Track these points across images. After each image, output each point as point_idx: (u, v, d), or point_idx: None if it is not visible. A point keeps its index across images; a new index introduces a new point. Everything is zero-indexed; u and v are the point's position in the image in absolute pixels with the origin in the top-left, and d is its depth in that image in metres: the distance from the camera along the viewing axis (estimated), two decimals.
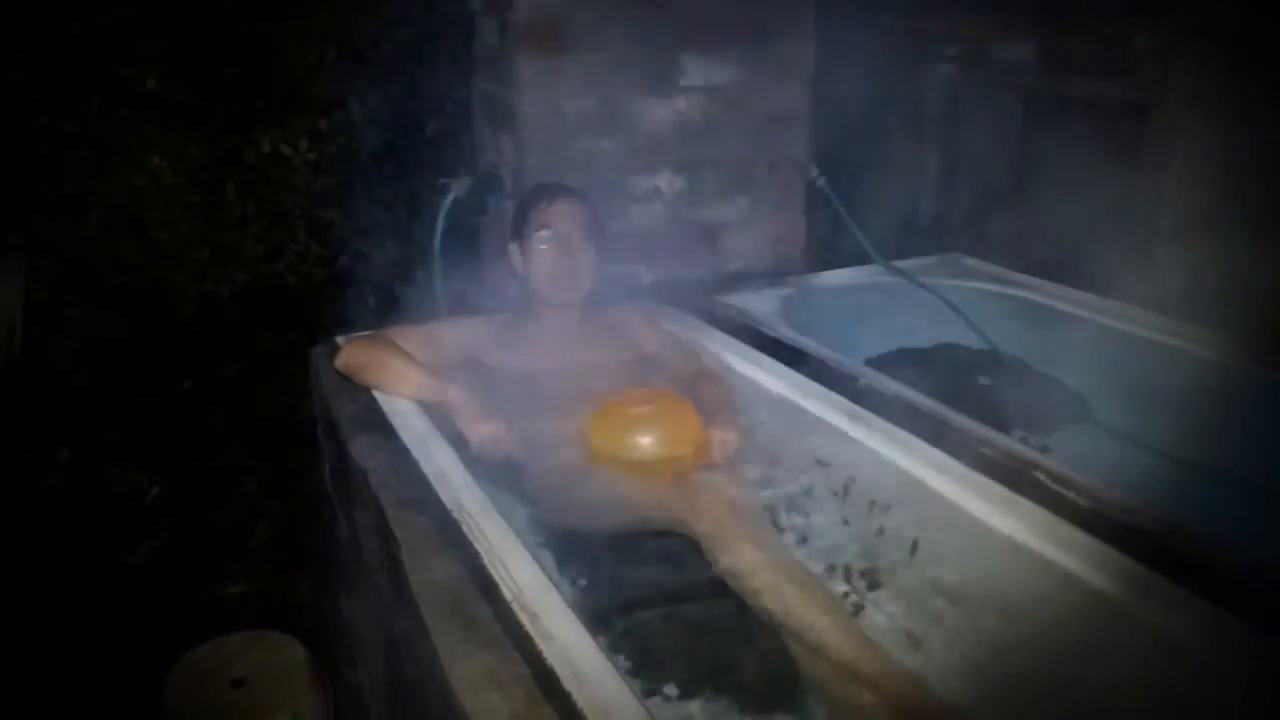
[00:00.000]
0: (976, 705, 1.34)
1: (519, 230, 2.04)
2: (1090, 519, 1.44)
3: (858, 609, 1.53)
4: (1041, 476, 1.55)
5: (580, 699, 1.08)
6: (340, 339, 2.20)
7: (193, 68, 3.57)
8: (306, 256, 3.95)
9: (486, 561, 1.37)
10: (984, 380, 2.23)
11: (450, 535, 1.45)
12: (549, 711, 1.10)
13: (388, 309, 3.31)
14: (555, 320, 2.07)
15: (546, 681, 1.13)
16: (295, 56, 3.69)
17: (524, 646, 1.20)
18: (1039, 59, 3.65)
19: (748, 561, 1.49)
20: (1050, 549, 1.42)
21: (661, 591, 1.50)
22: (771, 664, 1.42)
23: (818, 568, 1.61)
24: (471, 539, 1.42)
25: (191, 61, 3.57)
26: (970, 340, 2.40)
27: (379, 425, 1.83)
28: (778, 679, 1.41)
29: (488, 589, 1.32)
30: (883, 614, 1.53)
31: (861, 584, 1.59)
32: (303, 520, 2.71)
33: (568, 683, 1.11)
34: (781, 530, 1.71)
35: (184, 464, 3.18)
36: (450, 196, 2.38)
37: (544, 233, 1.99)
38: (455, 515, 1.48)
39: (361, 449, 1.77)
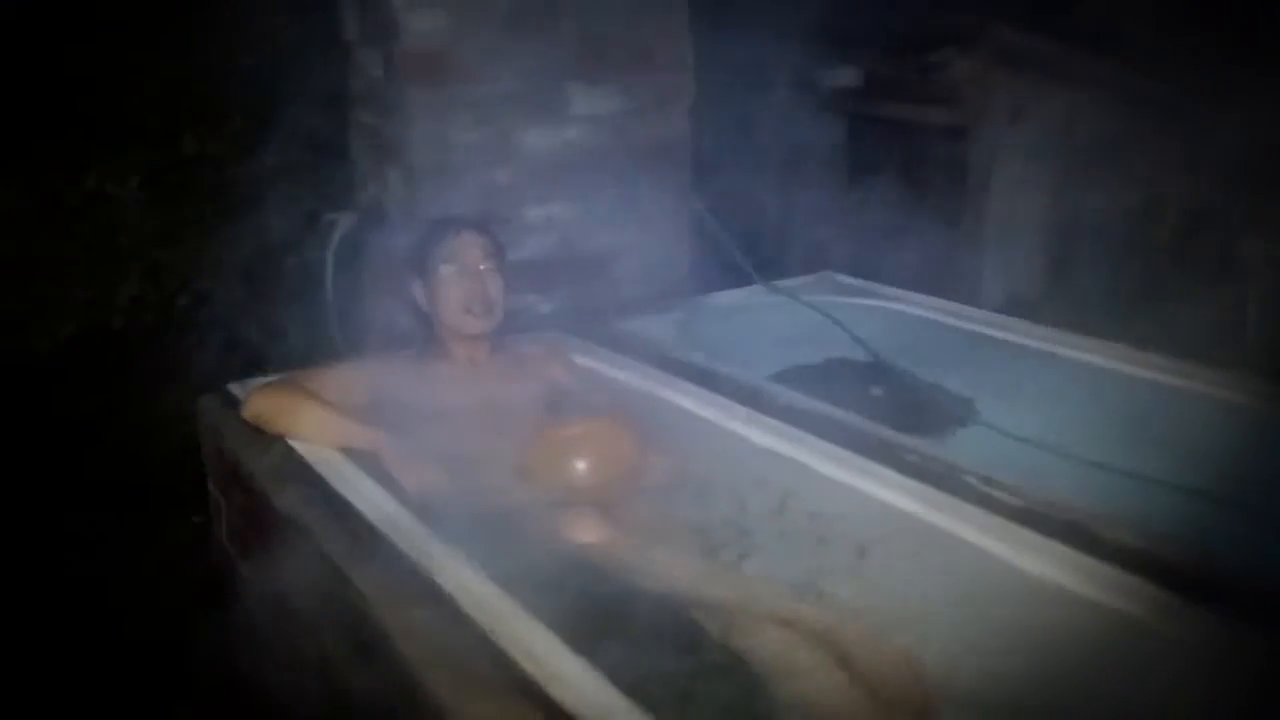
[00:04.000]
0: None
1: (422, 265, 2.00)
2: (1021, 514, 1.55)
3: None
4: (970, 480, 1.65)
5: None
6: (234, 387, 2.09)
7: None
8: (141, 301, 3.70)
9: (466, 607, 1.34)
10: (876, 391, 2.35)
11: (420, 584, 1.41)
12: None
13: (233, 351, 3.16)
14: (466, 354, 2.04)
15: None
16: (127, 89, 3.46)
17: (531, 692, 1.18)
18: (864, 85, 3.88)
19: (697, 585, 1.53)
20: (992, 544, 1.52)
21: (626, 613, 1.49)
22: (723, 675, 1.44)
23: (758, 580, 1.66)
24: (444, 586, 1.38)
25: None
26: (854, 354, 2.53)
27: (304, 476, 1.75)
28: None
29: (476, 635, 1.29)
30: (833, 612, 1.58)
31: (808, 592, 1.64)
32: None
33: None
34: (722, 547, 1.74)
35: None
36: (338, 233, 2.30)
37: (451, 266, 1.97)
38: (420, 563, 1.44)
39: (292, 502, 1.69)
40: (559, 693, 1.16)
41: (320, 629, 1.60)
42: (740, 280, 2.69)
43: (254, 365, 3.06)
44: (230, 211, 3.68)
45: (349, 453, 1.81)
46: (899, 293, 2.78)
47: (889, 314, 2.72)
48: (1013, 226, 3.77)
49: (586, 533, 1.65)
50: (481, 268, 1.97)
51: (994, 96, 3.69)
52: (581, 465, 1.77)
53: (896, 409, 2.24)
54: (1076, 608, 1.40)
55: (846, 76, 3.83)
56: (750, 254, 2.68)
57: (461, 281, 1.96)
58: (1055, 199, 3.78)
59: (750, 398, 2.05)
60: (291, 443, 1.84)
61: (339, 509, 1.63)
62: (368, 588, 1.42)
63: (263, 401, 1.89)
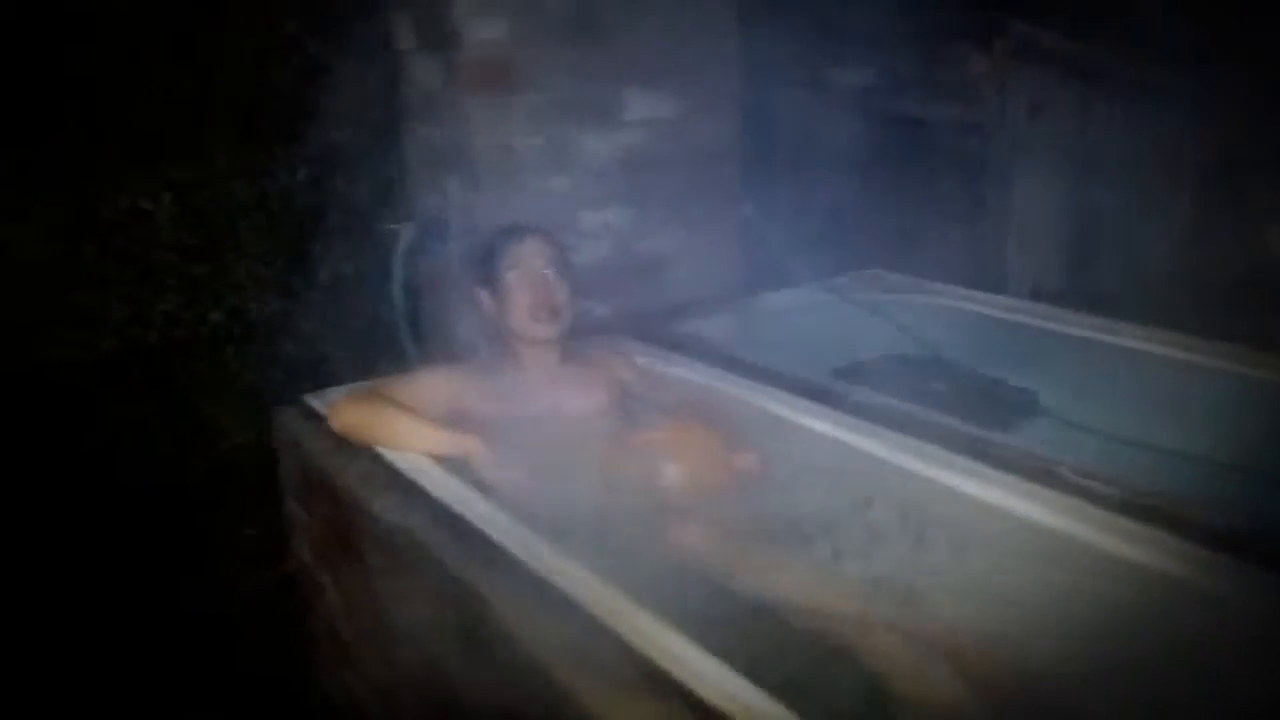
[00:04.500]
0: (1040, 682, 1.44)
1: (489, 273, 2.02)
2: (1120, 505, 1.57)
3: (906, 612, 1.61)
4: (1064, 471, 1.68)
5: None
6: (311, 399, 2.11)
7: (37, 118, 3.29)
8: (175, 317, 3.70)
9: (592, 609, 1.36)
10: (938, 385, 2.37)
11: (540, 587, 1.42)
12: None
13: (273, 363, 3.18)
14: (535, 360, 2.06)
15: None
16: (156, 105, 3.46)
17: (678, 691, 1.20)
18: (877, 83, 3.91)
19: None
20: (1083, 530, 1.55)
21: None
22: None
23: (859, 580, 1.68)
24: (565, 588, 1.40)
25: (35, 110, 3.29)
26: (909, 350, 2.56)
27: (398, 483, 1.77)
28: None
29: (609, 636, 1.31)
30: (939, 612, 1.60)
31: (907, 590, 1.66)
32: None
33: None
34: (816, 548, 1.77)
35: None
36: (404, 242, 2.32)
37: (518, 272, 1.98)
38: (534, 565, 1.46)
39: (390, 509, 1.70)
40: (706, 691, 1.18)
41: (427, 636, 1.62)
42: (790, 280, 2.72)
43: (293, 379, 3.09)
44: (265, 226, 3.70)
45: (438, 459, 1.83)
46: (946, 287, 2.82)
47: (938, 309, 2.75)
48: (1033, 220, 3.81)
49: (690, 537, 1.67)
50: (547, 273, 1.99)
51: (1011, 92, 3.72)
52: (674, 469, 1.78)
53: (960, 403, 2.26)
54: (1182, 594, 1.42)
55: (863, 75, 3.85)
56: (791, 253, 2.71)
57: (528, 288, 1.98)
58: (1073, 192, 3.82)
59: (821, 394, 2.07)
60: (381, 451, 1.85)
61: (441, 514, 1.65)
62: (488, 591, 1.44)
63: (352, 412, 1.91)
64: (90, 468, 3.11)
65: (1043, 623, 1.50)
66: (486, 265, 2.02)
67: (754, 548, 1.70)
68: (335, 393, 2.09)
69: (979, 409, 2.23)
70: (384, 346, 3.09)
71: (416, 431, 1.85)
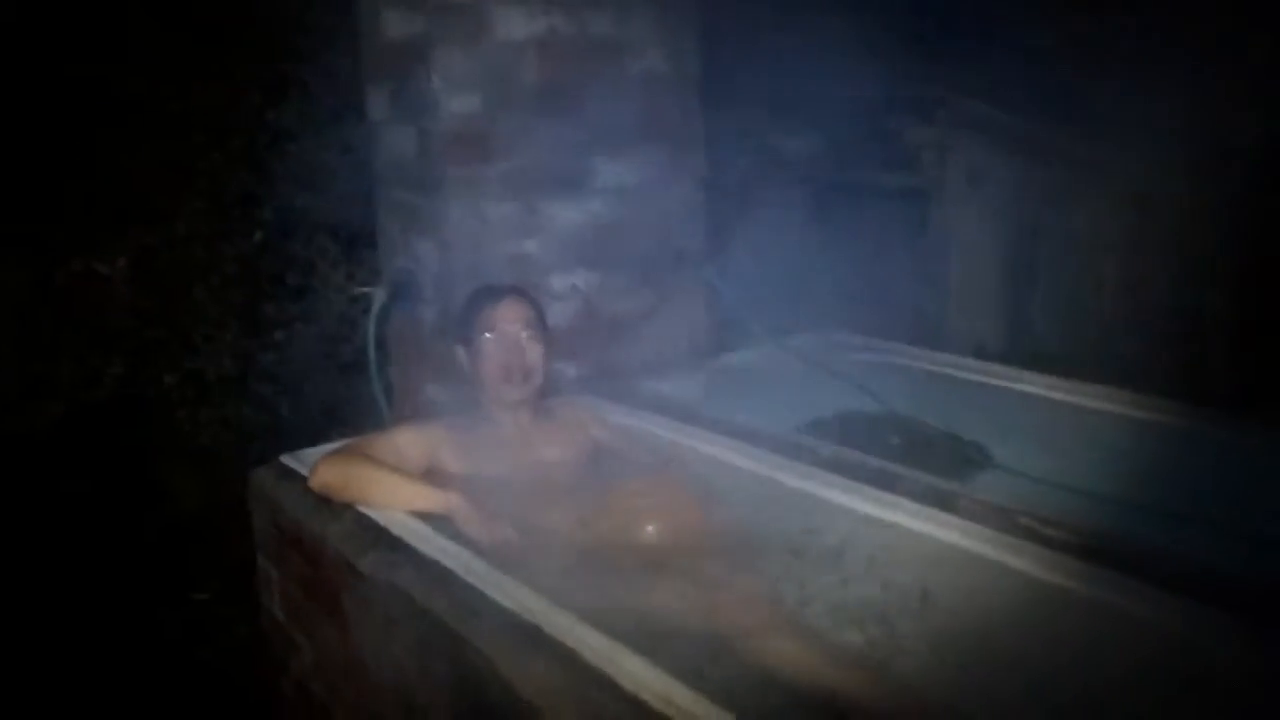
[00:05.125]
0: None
1: (466, 333, 2.08)
2: (1078, 549, 1.67)
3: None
4: (1024, 520, 1.77)
5: None
6: (287, 459, 2.13)
7: None
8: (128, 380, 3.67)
9: (589, 659, 1.40)
10: (894, 440, 2.47)
11: (532, 635, 1.47)
12: None
13: (226, 426, 3.18)
14: (509, 419, 2.11)
15: None
16: (116, 170, 3.48)
17: None
18: (825, 152, 4.08)
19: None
20: (1051, 576, 1.64)
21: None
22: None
23: (831, 623, 1.75)
24: (563, 639, 1.44)
25: None
26: (866, 406, 2.66)
27: (384, 540, 1.80)
28: None
29: (607, 684, 1.35)
30: (910, 659, 1.68)
31: (878, 633, 1.73)
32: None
33: None
34: (786, 595, 1.83)
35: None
36: (377, 304, 2.37)
37: (492, 334, 2.05)
38: (534, 621, 1.50)
39: (377, 565, 1.73)
40: None
41: (415, 689, 1.64)
42: (750, 341, 2.82)
43: (249, 441, 3.09)
44: (221, 289, 3.71)
45: (419, 515, 1.86)
46: (896, 346, 2.94)
47: (889, 367, 2.87)
48: (973, 282, 3.98)
49: (668, 592, 1.72)
50: (522, 335, 2.06)
51: (951, 161, 3.92)
52: (650, 523, 1.84)
53: (916, 456, 2.36)
54: (1140, 630, 1.51)
55: (812, 144, 4.01)
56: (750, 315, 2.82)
57: (502, 349, 2.04)
58: (1012, 255, 4.00)
59: (791, 450, 2.15)
60: (362, 509, 1.88)
61: (429, 569, 1.68)
62: (481, 641, 1.47)
63: (332, 470, 1.94)
64: (38, 534, 3.07)
65: (1011, 661, 1.57)
66: (464, 325, 2.08)
67: (729, 596, 1.75)
68: (311, 453, 2.12)
69: (935, 462, 2.33)
70: (344, 408, 3.11)
71: (399, 488, 1.89)
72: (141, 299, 3.68)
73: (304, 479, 2.02)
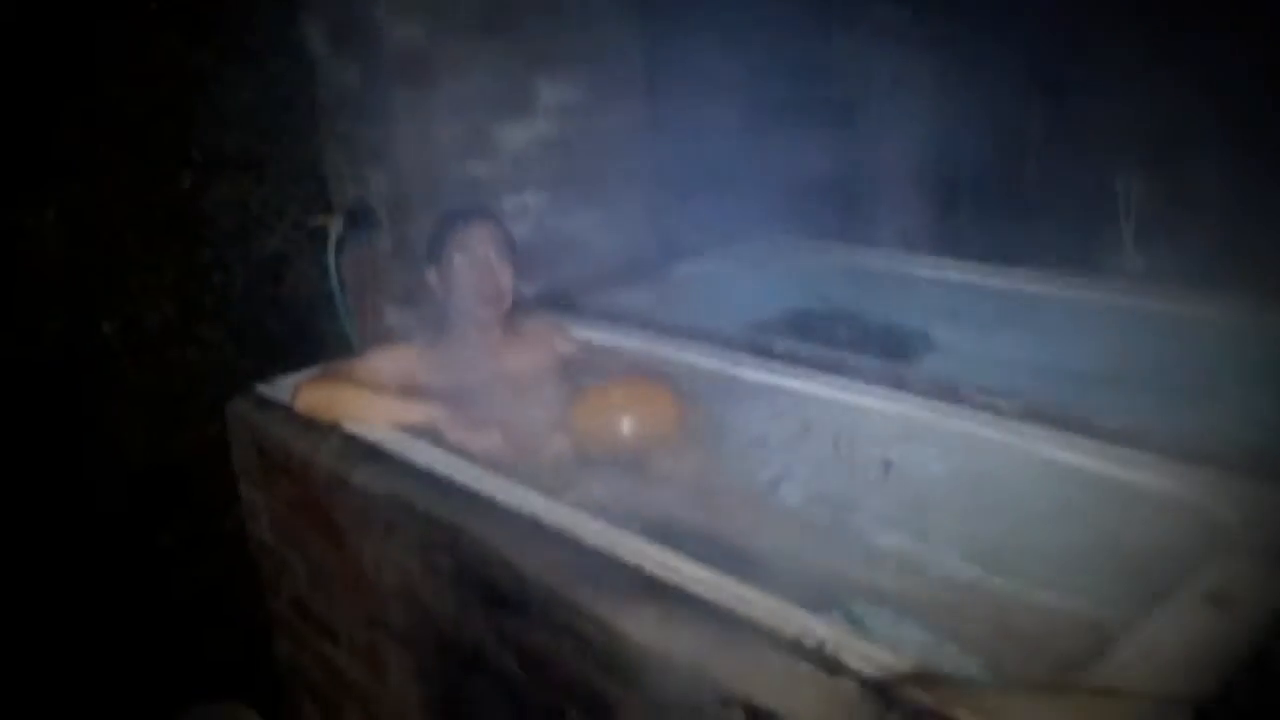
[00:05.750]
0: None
1: (436, 255, 2.15)
2: (1022, 412, 1.83)
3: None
4: (966, 391, 1.92)
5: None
6: (263, 388, 2.19)
7: None
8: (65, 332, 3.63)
9: (590, 539, 1.51)
10: (842, 332, 2.61)
11: (533, 527, 1.57)
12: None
13: (170, 373, 3.18)
14: (480, 337, 2.19)
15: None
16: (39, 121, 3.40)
17: (676, 592, 1.37)
18: (760, 68, 4.15)
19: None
20: (992, 435, 1.80)
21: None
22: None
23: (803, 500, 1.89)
24: (560, 525, 1.55)
25: None
26: (811, 304, 2.80)
27: (374, 455, 1.88)
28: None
29: (605, 558, 1.47)
30: (877, 523, 1.83)
31: (845, 503, 1.88)
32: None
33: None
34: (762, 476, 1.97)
35: None
36: (334, 235, 2.41)
37: (463, 255, 2.11)
38: (531, 511, 1.60)
39: (371, 478, 1.81)
40: (699, 588, 1.36)
41: (419, 589, 1.74)
42: (695, 250, 2.92)
43: (198, 384, 3.09)
44: (154, 236, 3.66)
45: (405, 429, 1.95)
46: (833, 245, 3.07)
47: (828, 265, 3.00)
48: (900, 181, 4.11)
49: (652, 483, 1.85)
50: (491, 256, 2.12)
51: (875, 70, 4.03)
52: (627, 418, 1.95)
53: (862, 345, 2.50)
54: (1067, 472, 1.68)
55: (746, 61, 4.07)
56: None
57: (473, 270, 2.11)
58: (936, 151, 4.14)
59: (748, 347, 2.27)
60: (348, 428, 1.96)
61: (423, 476, 1.77)
62: (483, 532, 1.57)
63: (316, 392, 2.00)
64: None
65: (961, 510, 1.74)
66: (435, 248, 2.14)
67: (708, 483, 1.88)
68: (286, 381, 2.18)
69: (881, 349, 2.47)
70: (290, 344, 3.13)
71: (384, 404, 1.96)
72: (73, 251, 3.62)
73: (284, 406, 2.09)
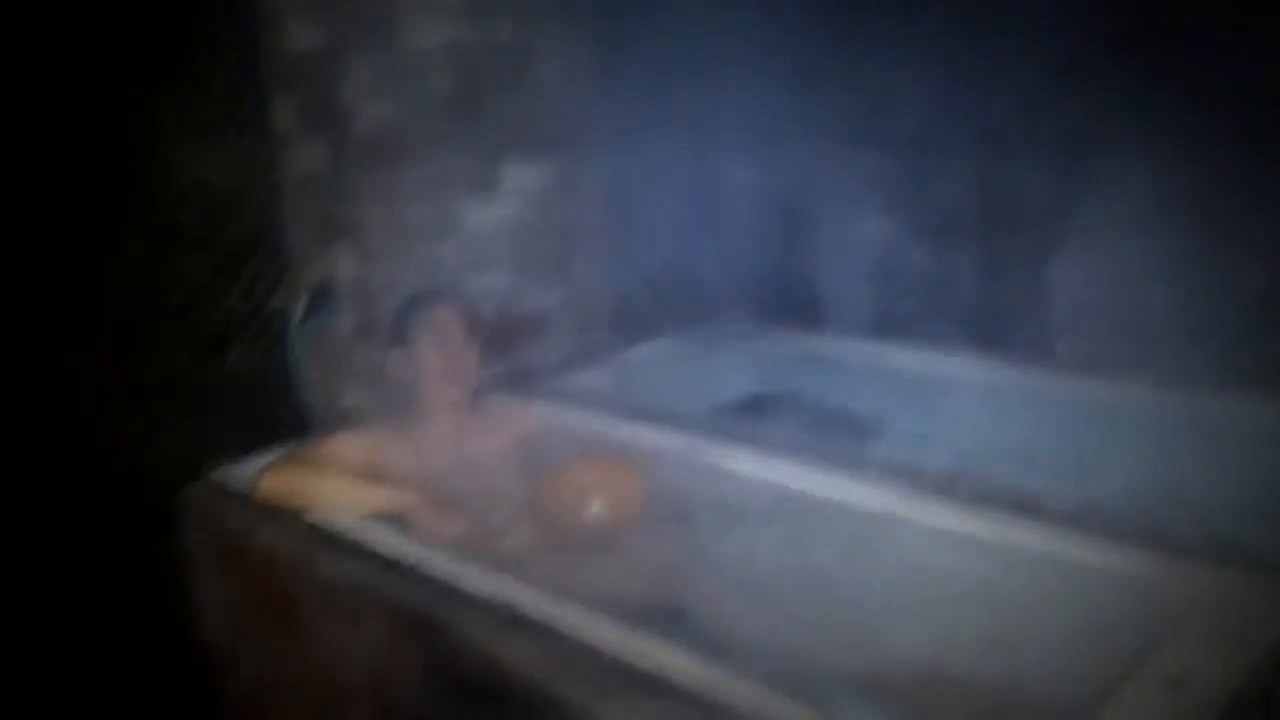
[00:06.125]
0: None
1: (402, 337, 2.14)
2: (979, 497, 1.87)
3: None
4: (929, 473, 1.96)
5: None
6: (218, 474, 2.14)
7: None
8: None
9: (569, 631, 1.50)
10: (800, 417, 2.65)
11: (509, 616, 1.56)
12: None
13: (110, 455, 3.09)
14: (445, 420, 2.18)
15: None
16: None
17: (660, 683, 1.37)
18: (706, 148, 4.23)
19: None
20: (959, 519, 1.84)
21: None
22: None
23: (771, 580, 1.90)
24: (537, 614, 1.54)
25: None
26: (766, 388, 2.84)
27: (341, 543, 1.85)
28: None
29: (584, 650, 1.46)
30: (846, 609, 1.84)
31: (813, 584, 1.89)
32: None
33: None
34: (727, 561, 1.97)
35: None
36: (298, 315, 2.39)
37: (429, 338, 2.11)
38: (501, 599, 1.59)
39: (338, 567, 1.78)
40: (680, 677, 1.36)
41: (386, 679, 1.70)
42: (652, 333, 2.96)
43: (139, 470, 2.99)
44: (97, 312, 3.57)
45: (372, 516, 1.92)
46: (783, 330, 3.14)
47: (786, 351, 3.05)
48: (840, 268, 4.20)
49: (621, 567, 1.84)
50: (456, 340, 2.13)
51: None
52: (599, 504, 1.95)
53: (819, 429, 2.54)
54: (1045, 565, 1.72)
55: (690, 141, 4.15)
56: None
57: (439, 353, 2.11)
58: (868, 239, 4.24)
59: (710, 430, 2.29)
60: (314, 515, 1.92)
61: (392, 564, 1.74)
62: (459, 623, 1.55)
63: (278, 479, 1.97)
64: None
65: (920, 599, 1.76)
66: (400, 330, 2.14)
67: (681, 567, 1.88)
68: (243, 467, 2.14)
69: (838, 433, 2.52)
70: (238, 430, 3.06)
71: (349, 491, 1.94)
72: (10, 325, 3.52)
73: (243, 492, 2.04)
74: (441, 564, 1.72)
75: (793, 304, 3.82)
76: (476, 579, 1.66)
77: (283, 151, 2.55)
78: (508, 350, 2.68)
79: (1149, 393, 2.46)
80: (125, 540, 2.75)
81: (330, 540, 1.86)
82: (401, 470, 2.08)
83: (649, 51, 2.80)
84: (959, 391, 2.71)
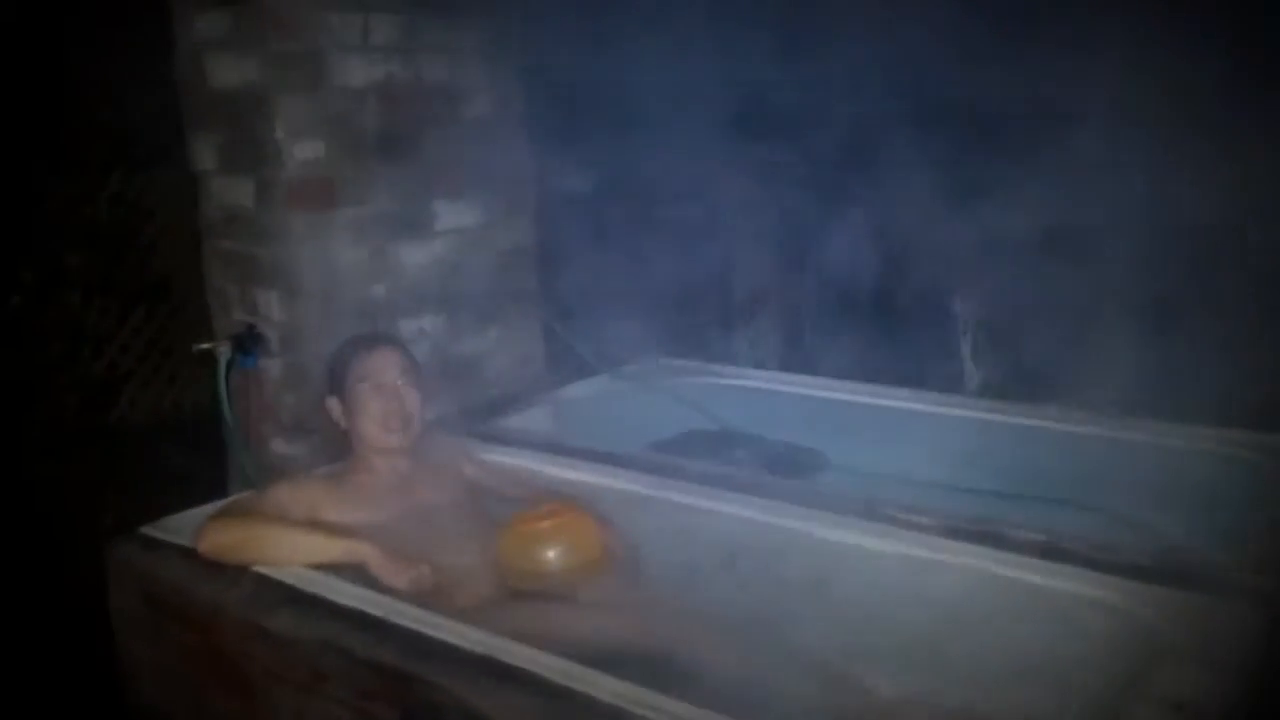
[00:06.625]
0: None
1: (339, 384, 2.07)
2: (940, 529, 1.91)
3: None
4: (885, 507, 2.00)
5: None
6: (149, 529, 2.02)
7: None
8: None
9: (561, 683, 1.46)
10: (740, 453, 2.66)
11: (492, 668, 1.51)
12: None
13: None
14: (387, 467, 2.10)
15: None
16: None
17: None
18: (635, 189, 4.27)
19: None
20: (913, 551, 1.87)
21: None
22: None
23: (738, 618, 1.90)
24: (526, 667, 1.50)
25: None
26: (703, 424, 2.85)
27: (295, 598, 1.76)
28: None
29: (580, 700, 1.42)
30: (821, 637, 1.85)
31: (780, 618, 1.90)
32: None
33: None
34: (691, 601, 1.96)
35: None
36: (225, 360, 2.29)
37: (367, 384, 2.04)
38: (482, 651, 1.54)
39: (295, 624, 1.69)
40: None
41: None
42: (586, 372, 2.95)
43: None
44: None
45: (323, 569, 1.84)
46: (720, 368, 3.16)
47: (713, 386, 3.08)
48: (765, 301, 4.27)
49: (590, 611, 1.81)
50: (398, 383, 2.06)
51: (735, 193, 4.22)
52: (556, 551, 1.91)
53: (763, 465, 2.56)
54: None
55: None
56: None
57: (378, 398, 2.04)
58: (785, 280, 4.34)
59: (658, 469, 2.28)
60: (261, 569, 1.83)
61: (355, 620, 1.67)
62: (439, 678, 1.49)
63: (224, 532, 1.87)
64: None
65: (887, 625, 1.78)
66: (337, 376, 2.06)
67: (643, 610, 1.86)
68: (175, 521, 2.03)
69: (780, 467, 2.54)
70: (129, 479, 2.89)
71: (303, 542, 1.85)
72: None
73: (178, 547, 1.93)
74: (410, 617, 1.65)
75: (713, 338, 3.88)
76: (453, 630, 1.60)
77: (203, 190, 2.45)
78: (444, 393, 2.62)
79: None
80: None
81: (283, 595, 1.76)
82: (348, 521, 1.99)
83: (578, 91, 2.82)
84: (887, 420, 2.78)
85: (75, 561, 2.56)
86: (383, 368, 2.05)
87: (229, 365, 2.33)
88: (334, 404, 2.08)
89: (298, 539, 1.85)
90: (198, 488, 2.34)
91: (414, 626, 1.62)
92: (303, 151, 2.29)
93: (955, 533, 1.89)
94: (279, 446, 2.43)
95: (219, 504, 2.02)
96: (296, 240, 2.31)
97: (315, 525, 1.94)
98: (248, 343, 2.39)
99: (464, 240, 2.64)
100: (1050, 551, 1.78)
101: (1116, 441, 2.43)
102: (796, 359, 4.04)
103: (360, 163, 2.39)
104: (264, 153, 2.28)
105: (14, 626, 2.52)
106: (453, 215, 2.61)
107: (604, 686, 1.43)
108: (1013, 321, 3.61)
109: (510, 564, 1.93)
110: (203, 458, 2.59)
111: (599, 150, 3.42)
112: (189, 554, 1.89)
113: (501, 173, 2.71)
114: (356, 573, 1.83)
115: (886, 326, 4.09)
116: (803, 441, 2.74)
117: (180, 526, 2.00)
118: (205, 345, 2.35)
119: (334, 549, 1.84)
